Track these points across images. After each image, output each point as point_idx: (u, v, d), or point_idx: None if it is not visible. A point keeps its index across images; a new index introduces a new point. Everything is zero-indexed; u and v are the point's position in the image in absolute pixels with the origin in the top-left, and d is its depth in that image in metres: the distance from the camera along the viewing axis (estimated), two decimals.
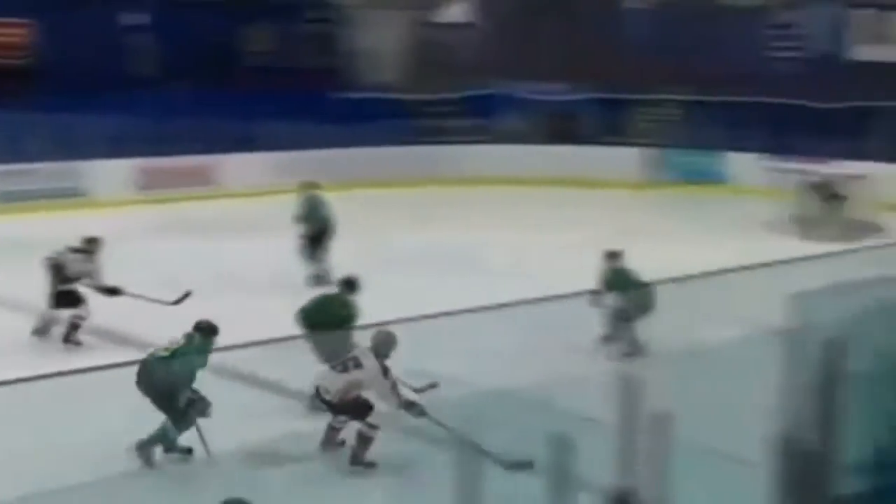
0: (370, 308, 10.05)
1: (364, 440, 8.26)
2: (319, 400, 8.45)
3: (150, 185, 24.11)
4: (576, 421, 6.80)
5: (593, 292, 11.61)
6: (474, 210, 23.17)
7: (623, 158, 27.23)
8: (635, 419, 6.69)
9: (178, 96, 26.23)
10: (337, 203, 23.48)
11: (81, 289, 12.77)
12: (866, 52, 26.00)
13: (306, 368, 9.04)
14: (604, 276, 11.95)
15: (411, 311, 11.00)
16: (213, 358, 8.59)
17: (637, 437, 6.81)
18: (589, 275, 11.69)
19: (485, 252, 17.72)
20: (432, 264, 17.22)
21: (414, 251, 18.25)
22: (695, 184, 26.54)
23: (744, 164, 26.34)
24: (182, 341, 8.68)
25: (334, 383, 8.37)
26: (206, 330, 8.74)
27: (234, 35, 29.93)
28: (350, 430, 8.42)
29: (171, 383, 8.31)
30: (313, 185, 17.22)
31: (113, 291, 12.67)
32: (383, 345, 8.53)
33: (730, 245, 18.45)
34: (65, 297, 12.70)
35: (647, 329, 10.59)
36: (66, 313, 12.67)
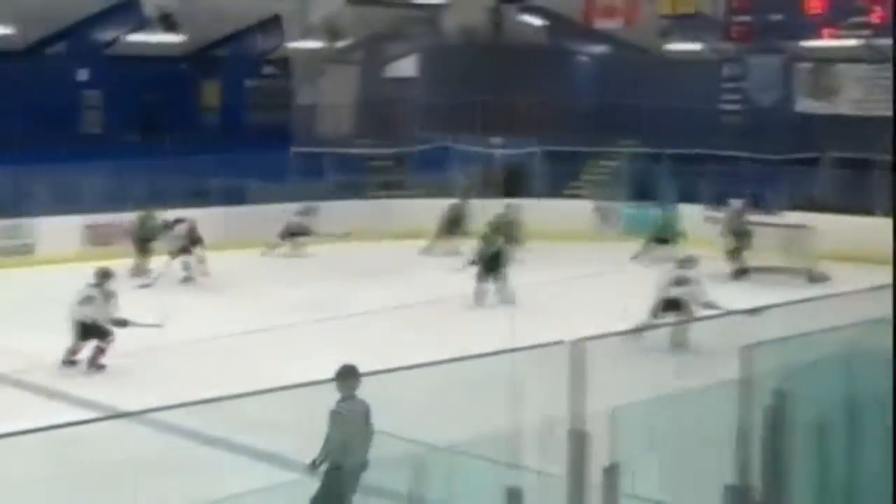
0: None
1: None
2: None
3: (97, 241, 23.84)
4: (526, 474, 6.81)
5: None
6: (424, 265, 23.20)
7: (572, 211, 27.43)
8: (585, 473, 6.73)
9: (127, 152, 26.18)
10: (286, 258, 23.66)
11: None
12: (810, 105, 26.44)
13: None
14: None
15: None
16: None
17: (588, 491, 6.85)
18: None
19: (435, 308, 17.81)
20: (384, 319, 17.30)
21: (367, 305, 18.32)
22: (640, 236, 26.77)
23: (690, 216, 26.59)
24: None
25: None
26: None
27: (186, 90, 29.99)
28: None
29: None
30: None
31: (122, 323, 14.19)
32: None
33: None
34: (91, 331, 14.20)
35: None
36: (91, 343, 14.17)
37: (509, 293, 18.54)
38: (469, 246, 21.30)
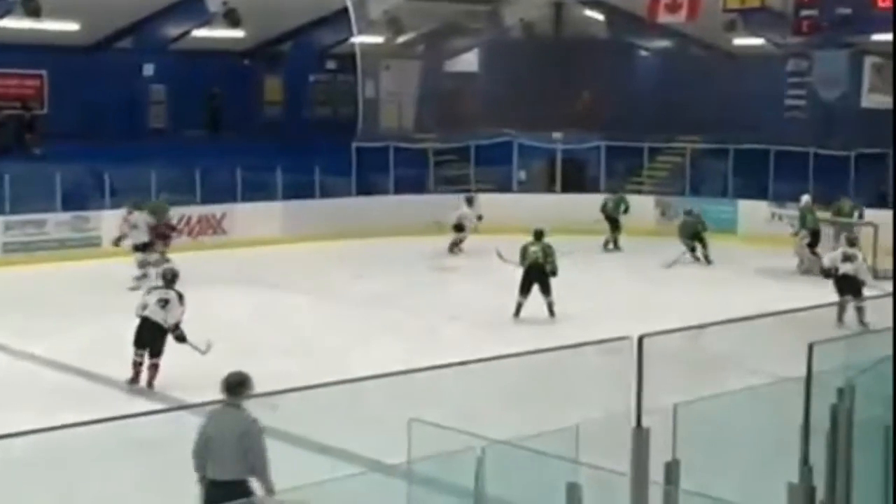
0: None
1: None
2: None
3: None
4: (586, 470, 6.79)
5: None
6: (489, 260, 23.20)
7: (635, 206, 27.24)
8: (647, 469, 6.70)
9: (192, 146, 26.48)
10: (351, 251, 23.75)
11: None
12: (877, 100, 26.04)
13: None
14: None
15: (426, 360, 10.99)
16: None
17: (649, 487, 6.82)
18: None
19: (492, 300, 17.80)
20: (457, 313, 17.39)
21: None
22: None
23: (754, 212, 26.36)
24: None
25: None
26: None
27: (249, 85, 30.26)
28: None
29: None
30: None
31: (181, 338, 13.23)
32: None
33: (737, 293, 18.51)
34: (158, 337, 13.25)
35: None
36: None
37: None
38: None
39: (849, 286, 16.84)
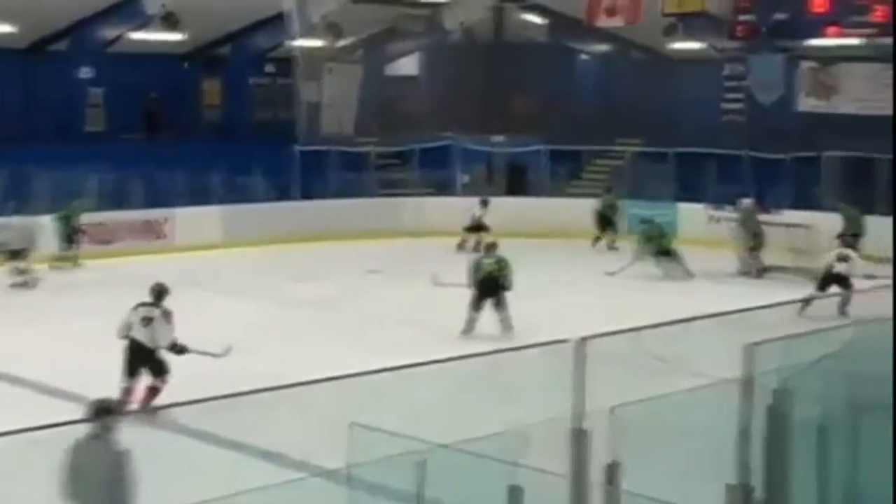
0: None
1: None
2: None
3: (101, 239, 23.84)
4: (527, 473, 6.80)
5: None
6: (430, 263, 23.19)
7: (575, 209, 27.42)
8: (587, 470, 6.73)
9: (129, 150, 26.22)
10: (291, 255, 23.66)
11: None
12: (812, 104, 26.41)
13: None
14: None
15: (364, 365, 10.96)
16: None
17: (590, 488, 6.85)
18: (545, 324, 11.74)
19: (436, 306, 17.75)
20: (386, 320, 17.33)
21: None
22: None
23: (692, 215, 26.60)
24: None
25: None
26: None
27: (189, 89, 30.04)
28: None
29: None
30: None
31: (182, 350, 12.27)
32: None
33: (675, 295, 18.67)
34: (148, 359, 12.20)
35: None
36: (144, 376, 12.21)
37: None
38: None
39: (837, 284, 17.73)
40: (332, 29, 27.98)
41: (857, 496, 7.68)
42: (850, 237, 20.44)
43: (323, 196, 27.24)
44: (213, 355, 12.21)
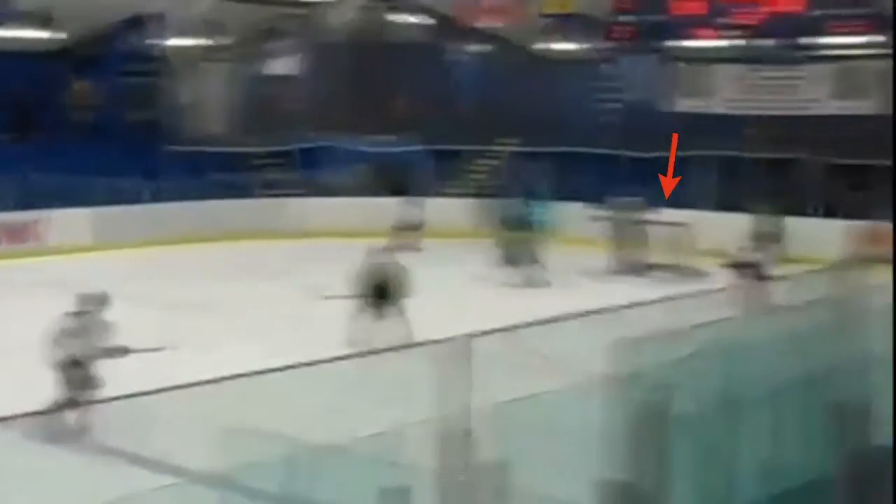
0: None
1: None
2: None
3: None
4: (408, 473, 6.76)
5: None
6: (312, 264, 23.03)
7: (453, 209, 27.55)
8: (466, 470, 6.71)
9: None
10: (162, 258, 23.28)
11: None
12: (685, 104, 26.90)
13: None
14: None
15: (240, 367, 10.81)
16: None
17: (470, 487, 6.84)
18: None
19: (316, 308, 17.64)
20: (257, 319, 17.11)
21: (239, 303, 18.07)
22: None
23: (571, 214, 26.88)
24: None
25: None
26: None
27: (60, 88, 29.31)
28: None
29: None
30: None
31: (123, 351, 11.75)
32: None
33: (553, 293, 18.84)
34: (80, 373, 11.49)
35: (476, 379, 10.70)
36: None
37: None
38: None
39: (752, 273, 18.05)
40: (209, 27, 27.61)
41: (734, 487, 7.82)
42: (766, 236, 21.25)
43: (199, 197, 26.85)
44: (157, 349, 11.95)
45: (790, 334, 8.47)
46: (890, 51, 24.45)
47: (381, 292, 15.61)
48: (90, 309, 11.93)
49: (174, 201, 26.48)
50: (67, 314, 11.93)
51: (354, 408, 10.46)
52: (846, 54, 25.01)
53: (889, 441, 8.78)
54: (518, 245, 22.05)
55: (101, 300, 12.03)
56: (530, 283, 21.10)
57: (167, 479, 8.52)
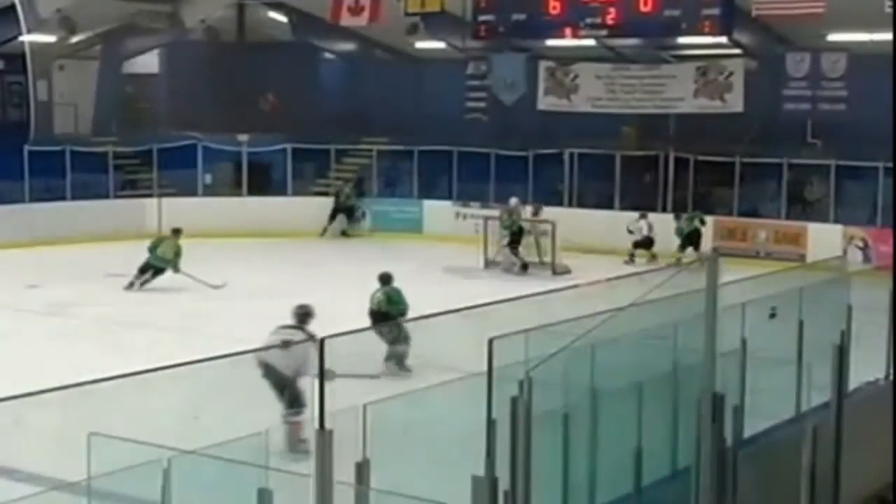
0: None
1: None
2: None
3: None
4: (275, 476, 6.68)
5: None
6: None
7: (318, 207, 27.46)
8: (331, 470, 6.67)
9: None
10: (24, 259, 22.66)
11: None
12: (551, 102, 27.19)
13: None
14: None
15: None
16: None
17: (339, 487, 6.79)
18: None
19: (164, 308, 17.47)
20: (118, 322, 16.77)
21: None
22: (390, 231, 27.10)
23: (439, 212, 26.99)
24: None
25: None
26: None
27: None
28: None
29: None
30: None
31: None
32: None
33: (423, 291, 18.82)
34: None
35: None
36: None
37: None
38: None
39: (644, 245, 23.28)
40: (66, 23, 26.91)
41: (597, 482, 7.92)
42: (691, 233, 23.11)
43: (57, 198, 26.19)
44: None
45: (657, 327, 8.63)
46: (740, 51, 25.19)
47: (374, 320, 14.56)
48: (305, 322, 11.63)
49: (30, 202, 25.83)
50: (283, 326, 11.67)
51: (221, 411, 10.31)
52: (705, 54, 25.61)
53: (750, 432, 9.02)
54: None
55: (310, 314, 11.76)
56: None
57: (27, 489, 8.26)
